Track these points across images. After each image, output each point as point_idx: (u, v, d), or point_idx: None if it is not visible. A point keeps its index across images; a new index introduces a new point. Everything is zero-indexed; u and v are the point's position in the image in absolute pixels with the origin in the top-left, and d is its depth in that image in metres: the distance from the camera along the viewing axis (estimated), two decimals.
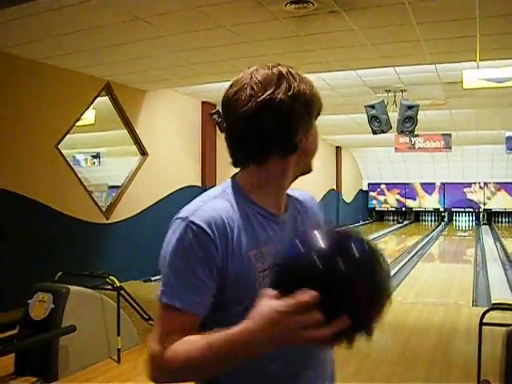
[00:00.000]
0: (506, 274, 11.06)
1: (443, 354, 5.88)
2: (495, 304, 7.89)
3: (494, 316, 5.52)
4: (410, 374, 5.25)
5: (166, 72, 9.28)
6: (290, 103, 1.44)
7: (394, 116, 10.78)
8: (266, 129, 1.44)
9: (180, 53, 8.06)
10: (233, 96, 1.48)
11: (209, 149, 12.51)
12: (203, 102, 12.33)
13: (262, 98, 1.42)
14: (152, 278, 10.05)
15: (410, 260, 13.36)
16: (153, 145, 10.76)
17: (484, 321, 3.77)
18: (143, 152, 10.56)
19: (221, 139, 12.69)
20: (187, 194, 11.72)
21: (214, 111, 12.23)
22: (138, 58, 8.30)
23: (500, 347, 3.52)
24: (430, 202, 27.65)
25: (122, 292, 5.92)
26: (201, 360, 1.25)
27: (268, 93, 1.43)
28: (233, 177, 1.65)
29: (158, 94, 10.90)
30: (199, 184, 12.28)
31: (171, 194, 11.28)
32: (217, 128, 12.50)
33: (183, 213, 1.47)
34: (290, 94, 1.44)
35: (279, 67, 1.52)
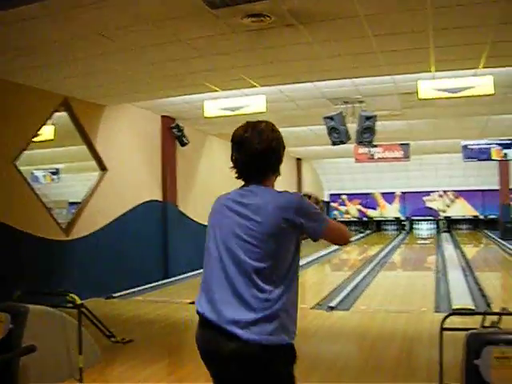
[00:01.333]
0: (466, 280, 11.21)
1: (407, 360, 5.97)
2: (455, 309, 8.04)
3: (456, 321, 5.61)
4: (375, 381, 5.30)
5: (125, 87, 9.24)
6: (281, 148, 2.76)
7: (352, 127, 10.92)
8: (272, 160, 2.73)
9: (139, 67, 8.04)
10: (246, 138, 2.63)
11: (169, 163, 12.48)
12: (163, 116, 12.29)
13: (266, 144, 2.62)
14: (114, 295, 9.94)
15: (372, 269, 13.47)
16: (112, 160, 10.67)
17: (446, 326, 3.82)
18: (103, 167, 10.45)
19: (181, 153, 12.68)
20: (148, 208, 11.66)
21: (174, 125, 12.21)
22: (96, 73, 8.24)
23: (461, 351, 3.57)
24: (391, 211, 27.97)
25: (83, 309, 5.85)
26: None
27: (270, 139, 2.66)
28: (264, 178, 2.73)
29: (117, 108, 10.83)
30: (160, 198, 12.21)
31: (132, 209, 11.18)
32: (177, 142, 12.47)
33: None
34: (280, 142, 2.74)
35: (268, 122, 2.73)
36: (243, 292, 2.40)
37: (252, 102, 9.78)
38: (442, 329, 3.79)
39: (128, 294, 10.21)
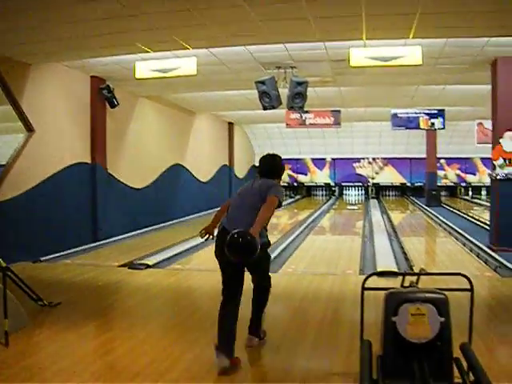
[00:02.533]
0: (391, 245, 11.55)
1: (331, 319, 6.17)
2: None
3: (380, 283, 5.80)
4: (300, 338, 5.47)
5: (52, 45, 8.93)
6: (283, 167, 5.39)
7: (284, 92, 10.96)
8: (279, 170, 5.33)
9: (68, 24, 7.78)
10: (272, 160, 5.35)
11: (98, 125, 12.22)
12: (93, 77, 11.95)
13: (279, 165, 5.34)
14: (42, 259, 9.77)
15: (301, 233, 13.70)
16: (40, 121, 10.32)
17: (365, 278, 3.97)
18: (29, 128, 10.08)
19: (111, 115, 12.44)
20: (77, 171, 11.44)
21: (104, 86, 11.94)
22: (23, 29, 7.94)
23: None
24: (321, 176, 28.42)
25: (8, 273, 5.75)
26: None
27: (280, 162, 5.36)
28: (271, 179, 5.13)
29: (45, 67, 10.45)
30: (89, 161, 11.98)
31: (60, 171, 10.89)
32: (107, 103, 12.21)
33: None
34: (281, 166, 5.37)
35: (278, 156, 5.41)
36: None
37: (183, 64, 9.65)
38: (364, 288, 3.94)
39: (56, 257, 10.04)
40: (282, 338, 5.56)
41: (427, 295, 3.61)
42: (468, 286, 3.87)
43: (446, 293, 3.62)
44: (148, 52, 9.31)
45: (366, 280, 3.95)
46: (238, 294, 4.96)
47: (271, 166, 5.27)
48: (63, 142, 11.12)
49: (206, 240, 5.42)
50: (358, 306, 4.02)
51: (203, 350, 5.05)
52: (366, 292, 3.97)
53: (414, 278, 4.15)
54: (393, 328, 3.56)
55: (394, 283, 4.43)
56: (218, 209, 5.36)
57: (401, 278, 4.22)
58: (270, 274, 5.27)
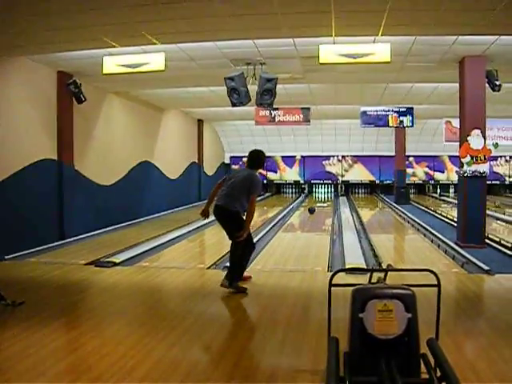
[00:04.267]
0: (360, 242, 11.59)
1: (300, 316, 6.14)
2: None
3: (348, 280, 5.79)
4: (268, 335, 5.44)
5: (16, 38, 8.75)
6: (264, 160, 7.58)
7: (253, 89, 10.91)
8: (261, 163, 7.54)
9: (31, 17, 7.62)
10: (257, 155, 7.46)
11: (65, 121, 12.02)
12: (59, 72, 11.75)
13: (261, 159, 7.48)
14: (6, 257, 9.58)
15: (270, 230, 13.67)
16: (3, 116, 10.12)
17: (337, 283, 3.94)
18: None
19: (78, 111, 12.26)
20: (42, 168, 11.25)
21: (71, 81, 11.75)
22: None
23: None
24: (291, 174, 28.46)
25: None
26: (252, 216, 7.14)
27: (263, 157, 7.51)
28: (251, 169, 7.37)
29: (9, 61, 10.26)
30: (55, 157, 11.77)
31: (25, 167, 10.69)
32: (74, 99, 12.02)
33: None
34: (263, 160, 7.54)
35: (261, 151, 7.57)
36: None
37: (151, 60, 9.54)
38: (331, 284, 3.91)
39: (21, 255, 9.84)
40: (250, 336, 5.56)
41: (394, 291, 3.60)
42: (435, 282, 3.87)
43: (414, 289, 3.62)
44: (115, 47, 9.19)
45: (333, 276, 3.93)
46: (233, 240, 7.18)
47: (255, 159, 7.40)
48: (28, 137, 10.90)
49: (205, 219, 7.64)
50: (326, 303, 4.00)
51: (170, 348, 5.00)
52: (334, 289, 3.94)
53: (382, 275, 4.14)
54: (360, 324, 3.54)
55: (362, 280, 4.42)
56: (211, 192, 7.46)
57: (369, 274, 4.21)
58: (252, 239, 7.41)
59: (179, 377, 4.32)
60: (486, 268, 8.36)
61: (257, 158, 7.41)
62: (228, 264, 7.36)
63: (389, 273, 4.16)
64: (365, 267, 8.51)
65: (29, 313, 6.14)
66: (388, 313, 3.53)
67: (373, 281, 4.34)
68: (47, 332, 5.47)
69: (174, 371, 4.43)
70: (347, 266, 8.53)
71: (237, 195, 7.03)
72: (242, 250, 7.15)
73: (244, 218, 7.11)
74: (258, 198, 25.60)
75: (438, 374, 3.35)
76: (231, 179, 7.24)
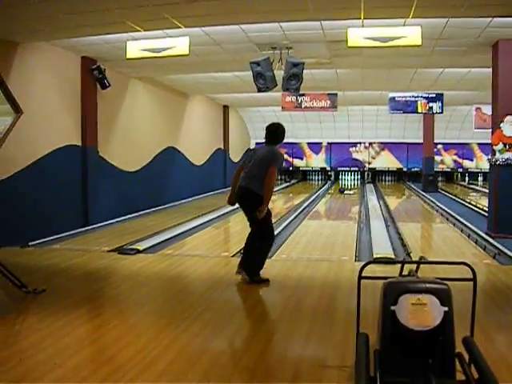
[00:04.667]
0: (387, 230, 11.36)
1: (326, 308, 5.92)
2: (375, 259, 8.09)
3: (376, 270, 5.58)
4: (293, 327, 5.25)
5: (40, 23, 8.64)
6: (283, 134, 6.99)
7: (280, 74, 10.68)
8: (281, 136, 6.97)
9: (53, 1, 7.48)
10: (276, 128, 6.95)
11: (89, 106, 11.92)
12: (83, 57, 11.64)
13: (280, 133, 6.96)
14: (30, 244, 9.54)
15: (296, 218, 13.49)
16: (28, 102, 10.01)
17: (365, 275, 3.72)
18: (17, 110, 9.80)
19: (102, 96, 12.16)
20: (67, 153, 11.18)
21: (95, 67, 11.65)
22: (8, 6, 7.63)
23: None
24: (317, 161, 28.18)
25: None
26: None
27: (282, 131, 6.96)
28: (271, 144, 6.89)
29: (33, 47, 10.17)
30: (79, 143, 11.69)
31: (50, 153, 10.64)
32: (98, 85, 11.91)
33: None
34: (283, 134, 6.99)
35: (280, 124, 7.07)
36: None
37: (175, 44, 9.36)
38: (360, 277, 3.70)
39: (44, 242, 9.81)
40: (275, 327, 5.40)
41: (428, 285, 3.39)
42: (470, 276, 3.65)
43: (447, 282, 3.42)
44: (139, 31, 9.03)
45: (363, 268, 3.71)
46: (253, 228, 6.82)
47: (274, 132, 6.90)
48: (52, 123, 10.84)
49: (233, 205, 7.15)
50: (353, 294, 3.81)
51: (192, 339, 4.86)
52: (362, 281, 3.74)
53: (413, 266, 3.93)
54: (392, 318, 3.33)
55: (392, 270, 4.23)
56: (234, 176, 7.17)
57: (399, 265, 4.02)
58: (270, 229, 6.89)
59: (200, 370, 4.17)
60: None
61: (275, 132, 6.91)
62: (244, 256, 6.94)
63: (421, 265, 3.96)
64: (393, 257, 8.28)
65: (49, 301, 6.04)
66: (422, 306, 3.33)
67: (404, 273, 4.16)
68: (67, 321, 5.35)
69: (195, 364, 4.28)
70: (375, 256, 8.33)
71: (259, 174, 6.56)
72: (261, 242, 6.78)
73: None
74: (284, 185, 25.55)
75: (475, 374, 3.15)
76: (252, 159, 6.84)
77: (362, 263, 3.84)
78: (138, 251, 8.87)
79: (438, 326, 3.27)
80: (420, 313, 3.29)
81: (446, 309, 3.29)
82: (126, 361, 4.33)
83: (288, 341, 4.93)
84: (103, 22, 8.66)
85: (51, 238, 10.10)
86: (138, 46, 9.61)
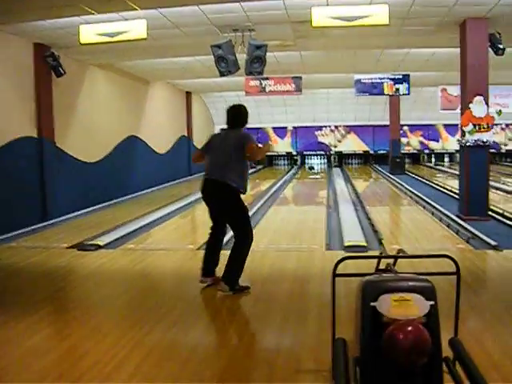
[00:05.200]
0: (357, 215, 11.12)
1: (298, 300, 5.70)
2: (347, 247, 7.82)
3: (350, 263, 5.31)
4: (266, 321, 5.09)
5: None
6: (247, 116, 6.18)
7: (242, 58, 10.29)
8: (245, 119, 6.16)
9: None
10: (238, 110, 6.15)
11: (44, 96, 11.32)
12: (35, 44, 11.02)
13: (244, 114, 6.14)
14: None
15: (263, 204, 13.18)
16: None
17: (339, 271, 3.36)
18: None
19: (58, 85, 11.64)
20: (21, 146, 10.61)
21: (48, 53, 11.09)
22: None
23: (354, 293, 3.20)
24: (283, 145, 27.87)
25: None
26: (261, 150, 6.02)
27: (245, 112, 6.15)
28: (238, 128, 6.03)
29: None
30: (35, 135, 11.12)
31: (2, 146, 10.03)
32: (52, 73, 11.36)
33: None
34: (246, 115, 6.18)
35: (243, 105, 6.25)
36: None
37: (132, 28, 8.89)
38: (335, 275, 3.33)
39: (0, 240, 9.29)
40: (246, 325, 5.17)
41: (411, 283, 3.07)
42: (450, 267, 3.35)
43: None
44: (92, 14, 8.55)
45: (337, 265, 3.34)
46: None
47: (238, 115, 6.08)
48: (4, 115, 10.24)
49: None
50: (325, 285, 3.47)
51: (159, 341, 4.61)
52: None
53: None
54: (373, 312, 2.99)
55: (366, 264, 3.95)
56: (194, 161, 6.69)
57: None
58: (228, 251, 5.85)
59: (170, 371, 3.94)
60: (493, 243, 7.89)
61: (238, 114, 6.10)
62: (226, 267, 5.83)
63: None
64: (365, 245, 8.02)
65: (5, 304, 5.64)
66: (405, 301, 3.00)
67: (381, 267, 3.88)
68: (23, 328, 4.95)
69: (165, 365, 4.05)
70: (346, 244, 8.06)
71: (234, 165, 5.77)
72: (242, 247, 5.84)
73: (240, 197, 5.92)
74: (250, 171, 25.06)
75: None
76: (219, 146, 5.96)
77: (333, 252, 3.51)
78: (99, 247, 8.44)
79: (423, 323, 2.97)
80: (403, 306, 2.97)
81: (432, 302, 2.98)
82: (92, 364, 4.07)
83: (259, 340, 4.71)
84: (54, 5, 8.17)
85: (7, 235, 9.57)
86: (92, 31, 9.11)
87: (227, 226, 6.08)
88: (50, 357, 4.30)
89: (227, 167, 5.78)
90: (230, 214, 5.95)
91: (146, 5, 8.28)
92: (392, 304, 2.93)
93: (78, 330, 4.95)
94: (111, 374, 3.88)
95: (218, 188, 5.83)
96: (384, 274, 3.41)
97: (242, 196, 5.94)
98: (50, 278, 6.95)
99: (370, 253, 7.51)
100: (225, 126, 6.20)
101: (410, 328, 2.75)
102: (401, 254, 3.89)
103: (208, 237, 6.19)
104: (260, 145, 6.10)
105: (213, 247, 6.12)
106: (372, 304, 2.94)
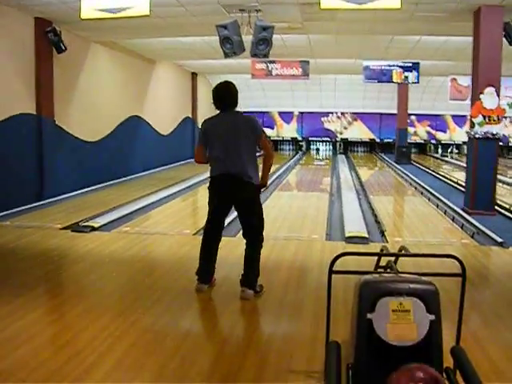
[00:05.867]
0: (359, 204, 10.91)
1: (294, 292, 5.52)
2: (348, 238, 7.59)
3: (348, 258, 5.10)
4: (259, 314, 5.03)
5: None
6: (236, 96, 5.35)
7: (248, 40, 9.99)
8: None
9: None
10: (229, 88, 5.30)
11: (45, 72, 11.03)
12: (37, 18, 10.72)
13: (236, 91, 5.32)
14: None
15: (265, 190, 12.93)
16: None
17: (336, 266, 3.13)
18: None
19: (59, 61, 11.41)
20: (19, 123, 10.37)
21: (50, 29, 10.80)
22: None
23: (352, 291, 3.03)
24: (288, 130, 27.59)
25: None
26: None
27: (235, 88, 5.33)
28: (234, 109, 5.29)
29: None
30: (34, 112, 10.85)
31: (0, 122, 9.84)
32: (53, 48, 11.08)
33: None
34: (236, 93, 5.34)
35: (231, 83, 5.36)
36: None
37: (134, 4, 8.58)
38: (331, 271, 3.10)
39: None
40: (238, 317, 4.94)
41: (412, 286, 2.85)
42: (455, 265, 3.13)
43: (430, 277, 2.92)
44: None
45: (334, 262, 3.11)
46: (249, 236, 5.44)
47: (231, 94, 5.28)
48: (2, 90, 9.98)
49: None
50: (323, 278, 3.26)
51: (149, 326, 4.51)
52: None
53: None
54: (368, 328, 2.80)
55: (366, 260, 3.74)
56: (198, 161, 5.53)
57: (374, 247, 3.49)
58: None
59: (159, 359, 3.82)
60: (500, 240, 7.64)
61: (232, 93, 5.30)
62: (246, 270, 5.32)
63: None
64: (366, 236, 7.78)
65: None
66: (404, 314, 2.79)
67: (381, 265, 3.67)
68: (7, 311, 4.75)
69: (153, 353, 3.94)
70: (347, 235, 7.83)
71: (249, 156, 5.14)
72: (261, 242, 5.43)
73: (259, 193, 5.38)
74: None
75: None
76: (225, 134, 5.16)
77: (333, 243, 3.30)
78: (94, 229, 8.22)
79: (423, 339, 2.75)
80: (402, 324, 2.76)
81: (433, 317, 2.77)
82: (80, 349, 3.95)
83: (250, 335, 4.49)
84: None
85: (2, 213, 9.38)
86: (93, 5, 8.80)
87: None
88: (39, 339, 4.19)
89: (243, 159, 5.08)
90: (255, 215, 5.32)
91: None
92: (391, 319, 2.73)
93: (64, 316, 4.80)
94: (100, 358, 3.80)
95: (239, 185, 5.13)
96: (384, 274, 3.18)
97: None
98: (39, 260, 6.72)
99: (372, 245, 7.30)
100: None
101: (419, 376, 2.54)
102: (403, 252, 3.67)
103: (205, 235, 5.49)
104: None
105: (211, 248, 5.44)
106: (368, 316, 2.74)
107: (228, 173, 5.09)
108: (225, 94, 5.23)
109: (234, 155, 5.07)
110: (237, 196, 5.16)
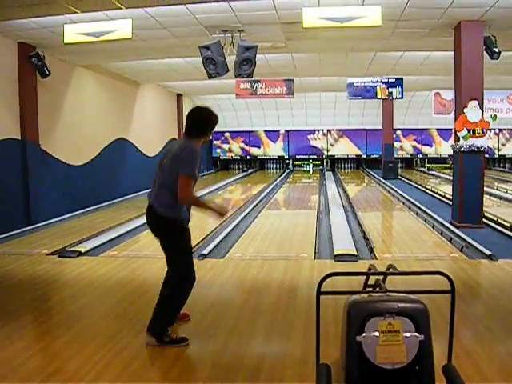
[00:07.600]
0: (348, 221, 10.89)
1: (284, 313, 5.46)
2: (337, 256, 7.56)
3: (338, 267, 5.05)
4: (248, 336, 4.89)
5: None
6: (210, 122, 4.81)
7: (232, 60, 10.02)
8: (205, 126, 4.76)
9: None
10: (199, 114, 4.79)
11: (28, 97, 11.02)
12: (20, 43, 10.73)
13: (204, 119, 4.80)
14: None
15: (253, 209, 12.95)
16: None
17: (325, 286, 3.09)
18: None
19: (43, 86, 11.38)
20: (4, 148, 10.30)
21: (33, 53, 10.81)
22: None
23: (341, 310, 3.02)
24: (275, 149, 27.62)
25: None
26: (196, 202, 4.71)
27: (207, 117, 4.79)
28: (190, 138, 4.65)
29: None
30: (18, 137, 10.81)
31: None
32: (37, 73, 11.06)
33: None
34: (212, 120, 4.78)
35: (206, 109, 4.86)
36: None
37: (117, 27, 8.61)
38: (319, 292, 3.06)
39: None
40: (229, 335, 4.89)
41: (401, 305, 2.83)
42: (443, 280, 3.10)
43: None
44: (76, 12, 8.27)
45: (321, 283, 3.07)
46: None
47: (195, 121, 4.72)
48: None
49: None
50: (312, 297, 3.22)
51: (141, 349, 4.48)
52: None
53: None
54: (358, 350, 2.77)
55: (354, 279, 3.71)
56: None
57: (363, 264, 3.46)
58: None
59: (153, 377, 3.91)
60: (488, 253, 7.65)
61: (197, 120, 4.75)
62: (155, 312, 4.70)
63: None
64: (355, 254, 7.76)
65: None
66: (394, 335, 2.77)
67: (369, 284, 3.64)
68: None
69: (149, 370, 4.08)
70: (336, 253, 7.80)
71: (169, 185, 4.55)
72: (180, 283, 4.72)
73: (176, 231, 4.73)
74: (242, 175, 24.91)
75: None
76: (162, 161, 4.74)
77: (322, 261, 3.27)
78: (80, 253, 8.15)
79: (413, 359, 2.73)
80: (391, 345, 2.73)
81: (423, 337, 2.74)
82: (68, 378, 3.91)
83: (241, 355, 4.45)
84: (36, 2, 7.87)
85: None
86: (76, 30, 8.83)
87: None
88: (26, 368, 4.13)
89: (161, 187, 4.64)
90: (167, 249, 4.85)
91: (130, 3, 8.01)
92: (380, 340, 2.71)
93: (52, 343, 4.70)
94: None
95: (150, 215, 4.78)
96: (372, 293, 3.15)
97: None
98: (25, 287, 6.64)
99: (361, 262, 7.28)
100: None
101: None
102: (391, 271, 3.64)
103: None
104: (214, 203, 5.01)
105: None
106: (358, 339, 2.72)
107: (148, 201, 4.76)
108: (187, 120, 4.73)
109: (156, 183, 4.71)
110: (149, 226, 4.84)
